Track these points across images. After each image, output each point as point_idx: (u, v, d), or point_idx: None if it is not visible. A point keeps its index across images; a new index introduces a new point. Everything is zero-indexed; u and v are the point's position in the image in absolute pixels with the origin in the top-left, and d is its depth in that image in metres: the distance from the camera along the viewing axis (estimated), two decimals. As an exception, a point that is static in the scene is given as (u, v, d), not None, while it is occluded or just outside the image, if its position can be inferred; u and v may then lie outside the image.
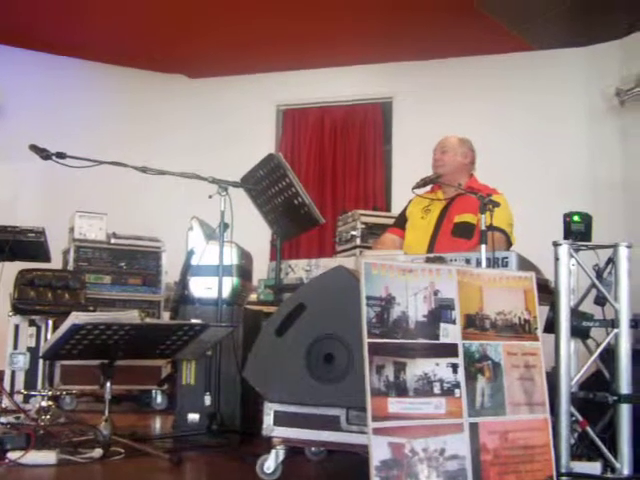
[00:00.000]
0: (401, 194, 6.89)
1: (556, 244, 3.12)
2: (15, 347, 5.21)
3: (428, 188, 4.44)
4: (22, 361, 5.22)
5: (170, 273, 6.14)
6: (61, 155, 3.85)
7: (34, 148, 3.89)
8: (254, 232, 5.43)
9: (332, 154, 8.20)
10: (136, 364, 5.33)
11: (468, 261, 3.31)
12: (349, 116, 8.24)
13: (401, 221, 4.57)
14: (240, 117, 8.26)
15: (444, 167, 4.35)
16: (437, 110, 7.61)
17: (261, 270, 5.43)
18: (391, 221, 5.03)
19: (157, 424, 5.18)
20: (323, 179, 8.13)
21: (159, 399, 5.81)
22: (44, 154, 3.85)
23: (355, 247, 5.87)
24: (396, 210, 6.12)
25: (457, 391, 2.60)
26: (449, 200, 4.38)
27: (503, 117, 7.46)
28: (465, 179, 4.37)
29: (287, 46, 7.59)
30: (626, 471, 2.97)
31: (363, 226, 5.93)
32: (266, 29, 7.15)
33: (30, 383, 5.18)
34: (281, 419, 3.01)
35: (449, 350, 2.63)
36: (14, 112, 7.71)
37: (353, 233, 5.94)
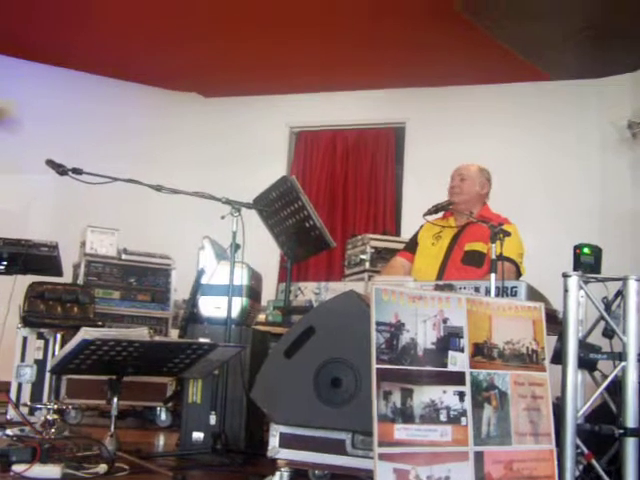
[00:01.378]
0: (411, 219, 6.90)
1: (565, 275, 3.13)
2: (22, 359, 5.23)
3: (439, 215, 4.46)
4: (29, 374, 5.23)
5: (179, 291, 6.16)
6: (77, 171, 3.88)
7: (51, 163, 3.92)
8: (264, 253, 5.48)
9: (343, 177, 8.23)
10: (142, 380, 5.34)
11: (477, 289, 3.33)
12: (361, 140, 8.28)
13: (412, 245, 4.58)
14: (253, 138, 8.31)
15: (461, 195, 4.36)
16: (449, 137, 7.65)
17: (269, 291, 5.49)
18: (400, 246, 5.06)
19: (161, 441, 5.17)
20: (334, 202, 8.16)
21: (163, 416, 5.80)
22: (60, 169, 3.89)
23: (364, 271, 5.89)
24: (406, 235, 6.15)
25: (463, 419, 2.61)
26: (460, 228, 4.40)
27: (514, 146, 7.48)
28: (478, 208, 4.40)
29: (302, 69, 7.64)
30: (631, 505, 2.97)
31: (372, 250, 5.95)
32: (282, 52, 7.22)
33: (36, 396, 5.19)
34: (287, 441, 3.01)
35: (456, 378, 2.64)
36: (28, 125, 7.79)
37: (362, 257, 5.95)
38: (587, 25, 6.31)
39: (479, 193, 4.44)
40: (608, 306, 3.18)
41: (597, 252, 3.27)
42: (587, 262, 3.24)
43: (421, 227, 4.61)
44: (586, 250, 3.25)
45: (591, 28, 6.33)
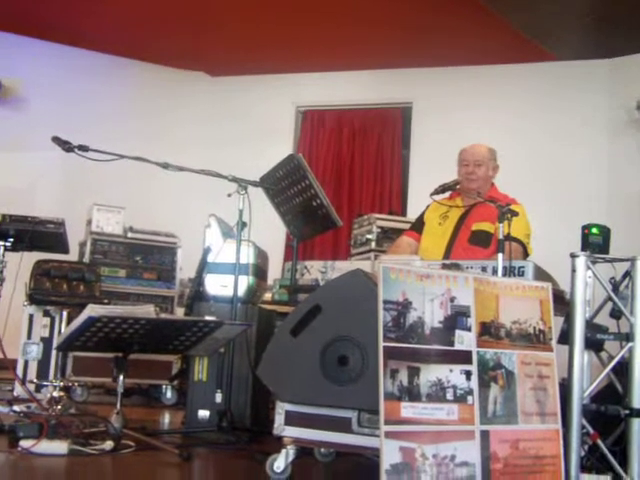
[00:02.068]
0: (417, 199, 6.90)
1: (573, 256, 3.12)
2: (29, 337, 5.26)
3: (446, 194, 4.44)
4: (35, 351, 5.26)
5: (185, 269, 6.17)
6: (83, 148, 3.87)
7: (57, 140, 3.91)
8: (270, 231, 5.47)
9: (350, 157, 8.21)
10: (147, 358, 5.35)
11: (484, 269, 3.32)
12: (368, 119, 8.25)
13: (418, 225, 4.57)
14: (259, 117, 8.28)
15: (478, 181, 4.32)
16: (456, 117, 7.61)
17: (275, 270, 5.48)
18: (406, 226, 5.05)
19: (166, 419, 5.19)
20: (340, 181, 8.14)
21: (169, 394, 5.82)
22: (67, 146, 3.88)
23: (370, 250, 5.89)
24: (412, 215, 6.13)
25: (470, 398, 2.60)
26: (468, 208, 4.38)
27: (522, 126, 7.45)
28: (487, 188, 4.37)
29: (308, 48, 7.62)
30: (636, 485, 2.97)
31: (379, 230, 5.94)
32: (289, 30, 7.19)
33: (42, 373, 5.22)
34: (292, 419, 3.02)
35: (463, 357, 2.63)
36: (35, 103, 7.78)
37: (368, 237, 5.95)
38: (596, 6, 6.26)
39: (491, 176, 4.42)
40: (616, 287, 3.17)
41: (606, 232, 3.25)
42: (595, 242, 3.22)
43: (427, 207, 4.59)
44: (594, 230, 3.24)
45: (600, 9, 6.28)
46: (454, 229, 4.32)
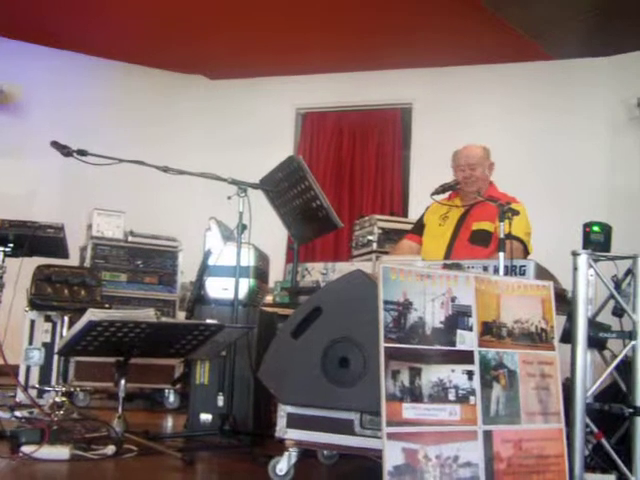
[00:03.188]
0: (418, 200, 6.89)
1: (575, 254, 3.10)
2: (30, 342, 5.24)
3: (446, 195, 4.43)
4: (37, 356, 5.24)
5: (186, 273, 6.16)
6: (82, 152, 3.86)
7: (55, 145, 3.90)
8: (271, 234, 5.46)
9: (350, 158, 8.20)
10: (149, 363, 5.36)
11: (486, 268, 3.31)
12: (368, 121, 8.24)
13: (418, 227, 4.57)
14: (259, 119, 8.27)
15: (476, 183, 4.30)
16: (456, 117, 7.60)
17: (276, 272, 5.47)
18: (408, 227, 5.04)
19: (169, 423, 5.19)
20: (340, 183, 8.13)
21: (171, 398, 5.81)
22: (65, 151, 3.86)
23: (371, 252, 5.87)
24: (413, 216, 6.13)
25: (472, 398, 2.59)
26: (467, 207, 4.37)
27: (523, 125, 7.44)
28: (486, 188, 4.37)
29: (307, 50, 7.60)
30: (640, 484, 2.95)
31: (380, 231, 5.93)
32: (288, 32, 7.17)
33: (44, 378, 5.20)
34: (294, 421, 3.01)
35: (465, 357, 2.62)
36: (34, 109, 7.77)
37: (370, 238, 5.94)
38: (595, 4, 6.25)
39: (486, 176, 4.41)
40: (618, 284, 3.16)
41: (607, 230, 3.24)
42: (597, 240, 3.21)
43: (427, 209, 4.59)
44: (596, 228, 3.23)
45: (599, 7, 6.26)
46: (454, 229, 4.32)
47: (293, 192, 4.34)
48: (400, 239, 4.89)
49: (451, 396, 2.55)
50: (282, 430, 3.04)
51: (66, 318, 5.01)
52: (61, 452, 3.36)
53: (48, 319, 5.26)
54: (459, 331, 2.63)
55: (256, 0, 6.61)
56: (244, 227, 4.14)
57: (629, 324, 3.08)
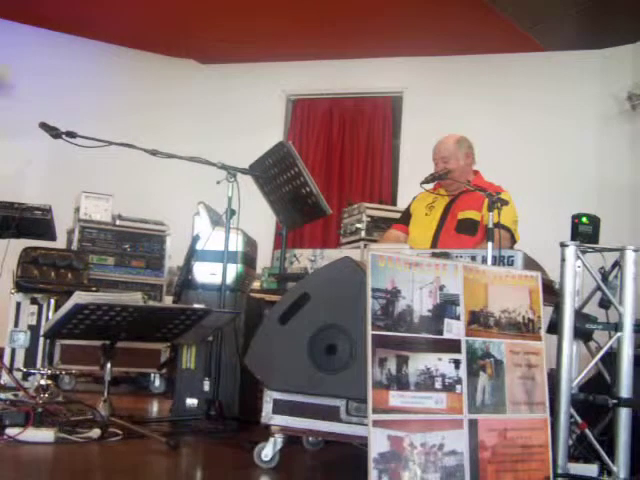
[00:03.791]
0: (407, 188, 6.88)
1: (563, 245, 3.11)
2: (16, 325, 5.22)
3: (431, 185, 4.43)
4: (22, 339, 5.23)
5: (174, 257, 6.15)
6: (71, 134, 3.84)
7: (44, 126, 3.87)
8: (259, 219, 5.45)
9: (340, 146, 8.18)
10: (136, 347, 5.35)
11: (474, 258, 3.31)
12: (359, 108, 8.22)
13: (405, 217, 4.57)
14: (249, 105, 8.24)
15: (453, 173, 4.29)
16: (447, 106, 7.59)
17: (265, 258, 5.47)
18: (396, 215, 5.04)
19: (155, 407, 5.19)
20: (330, 170, 8.12)
21: (157, 383, 5.82)
22: (54, 132, 3.84)
23: (360, 240, 5.88)
24: (402, 204, 6.12)
25: (458, 387, 2.60)
26: (453, 197, 4.37)
27: (513, 116, 7.44)
28: (471, 177, 4.37)
29: (299, 36, 7.56)
30: (622, 474, 2.96)
31: (368, 219, 5.94)
32: (279, 18, 7.14)
33: (30, 361, 5.19)
34: (280, 407, 3.01)
35: (452, 346, 2.62)
36: (23, 91, 7.70)
37: (358, 226, 5.95)
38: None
39: (465, 164, 4.39)
40: (605, 277, 3.16)
41: (595, 222, 3.25)
42: (585, 232, 3.22)
43: (414, 199, 4.59)
44: (584, 219, 3.24)
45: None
46: (440, 218, 4.32)
47: (283, 178, 4.33)
48: (387, 229, 4.89)
49: (437, 384, 2.56)
50: (268, 416, 3.04)
51: (52, 301, 5.01)
52: (46, 435, 3.35)
53: (34, 301, 5.24)
54: (447, 320, 2.63)
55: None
56: (233, 212, 4.14)
57: (615, 316, 3.09)
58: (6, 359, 5.15)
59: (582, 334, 3.16)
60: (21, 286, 5.15)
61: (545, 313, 2.97)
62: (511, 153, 7.07)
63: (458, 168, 4.32)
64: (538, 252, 3.53)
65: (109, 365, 3.76)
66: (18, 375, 5.03)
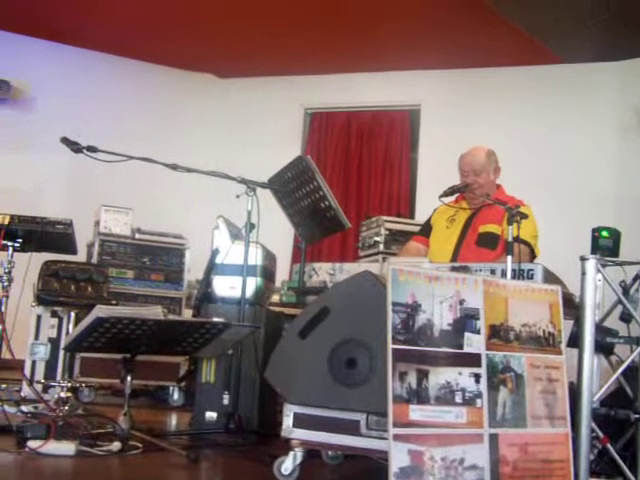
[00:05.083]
0: (425, 201, 6.89)
1: (583, 259, 3.10)
2: (36, 337, 5.26)
3: (452, 198, 4.42)
4: (43, 351, 5.26)
5: (193, 271, 6.17)
6: (92, 149, 3.88)
7: (65, 141, 3.91)
8: (278, 233, 5.47)
9: (358, 159, 8.21)
10: (155, 360, 5.35)
11: (493, 272, 3.31)
12: (376, 122, 8.24)
13: (426, 229, 4.56)
14: (267, 118, 8.28)
15: (482, 188, 4.26)
16: (465, 120, 7.59)
17: (284, 271, 5.48)
18: (415, 228, 5.04)
19: (174, 421, 5.19)
20: (348, 183, 8.14)
21: (176, 396, 5.82)
22: (75, 147, 3.88)
23: (378, 253, 5.88)
24: (420, 217, 6.13)
25: (479, 401, 2.59)
26: (474, 210, 4.36)
27: (531, 129, 7.43)
28: (493, 191, 4.36)
29: (317, 50, 7.61)
30: (645, 490, 2.95)
31: (387, 232, 5.94)
32: (297, 32, 7.18)
33: (50, 374, 5.22)
34: (301, 421, 3.01)
35: (472, 360, 2.62)
36: (43, 104, 7.80)
37: (376, 239, 5.95)
38: (604, 8, 6.23)
39: (494, 178, 4.39)
40: (626, 290, 3.15)
41: (616, 235, 3.24)
42: (605, 245, 3.21)
43: (434, 211, 4.58)
44: (605, 233, 3.23)
45: (608, 12, 6.25)
46: (461, 231, 4.31)
47: (301, 192, 4.35)
48: (407, 241, 4.88)
49: (458, 399, 2.56)
50: (288, 430, 3.04)
51: (72, 314, 5.03)
52: (67, 448, 3.35)
53: (54, 314, 5.28)
54: (467, 334, 2.63)
55: (266, -1, 6.63)
56: (252, 226, 4.15)
57: (636, 330, 3.08)
58: (27, 371, 5.18)
59: (603, 348, 3.14)
60: (42, 299, 5.19)
61: (565, 327, 2.96)
62: (529, 166, 7.05)
63: (487, 182, 4.31)
64: (558, 265, 3.52)
65: (129, 378, 3.77)
66: (38, 387, 5.06)
